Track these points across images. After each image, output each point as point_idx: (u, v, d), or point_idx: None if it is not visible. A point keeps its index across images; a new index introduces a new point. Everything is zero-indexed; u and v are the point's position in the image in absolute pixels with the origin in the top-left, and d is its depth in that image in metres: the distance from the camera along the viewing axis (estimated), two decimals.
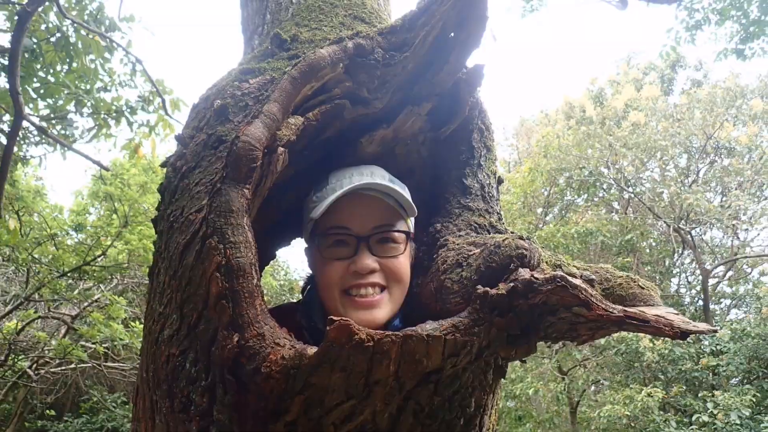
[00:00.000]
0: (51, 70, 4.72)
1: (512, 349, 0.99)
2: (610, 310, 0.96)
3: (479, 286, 0.99)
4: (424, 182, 1.45)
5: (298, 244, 1.47)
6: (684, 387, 9.55)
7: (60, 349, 8.66)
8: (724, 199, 11.97)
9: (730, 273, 13.08)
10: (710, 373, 9.73)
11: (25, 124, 3.76)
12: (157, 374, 1.05)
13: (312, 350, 0.91)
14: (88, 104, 4.96)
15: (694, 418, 8.66)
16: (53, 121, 5.02)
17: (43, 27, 4.61)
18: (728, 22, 7.15)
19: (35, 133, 5.25)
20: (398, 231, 1.22)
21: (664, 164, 12.74)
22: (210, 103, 1.19)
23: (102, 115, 5.15)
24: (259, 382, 0.92)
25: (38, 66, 4.61)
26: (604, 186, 12.74)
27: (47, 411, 12.10)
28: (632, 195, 12.18)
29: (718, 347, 9.71)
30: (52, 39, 4.58)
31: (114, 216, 9.19)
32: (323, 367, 0.89)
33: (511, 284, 0.97)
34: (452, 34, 1.28)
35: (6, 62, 3.85)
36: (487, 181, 1.41)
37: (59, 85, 4.69)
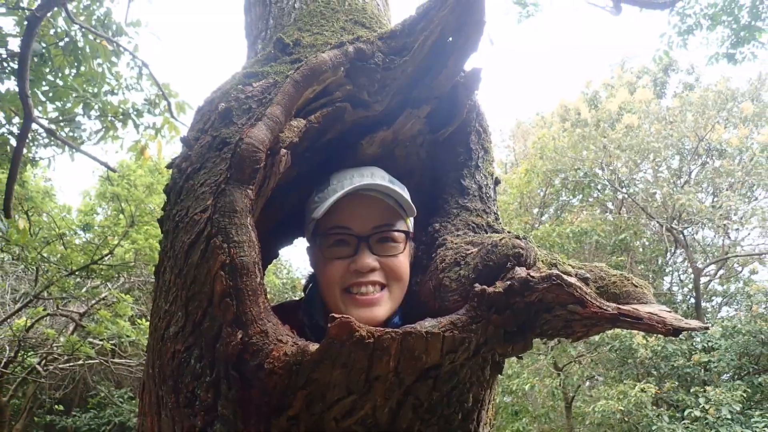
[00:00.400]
0: (59, 74, 4.72)
1: (509, 346, 0.99)
2: (605, 307, 0.96)
3: (477, 285, 0.99)
4: (423, 183, 1.45)
5: (301, 244, 1.47)
6: (676, 383, 9.55)
7: (68, 346, 8.66)
8: (715, 199, 11.97)
9: (721, 271, 13.08)
10: (702, 369, 9.73)
11: (34, 126, 3.76)
12: (163, 370, 1.05)
13: (314, 347, 0.91)
14: (96, 107, 4.96)
15: (686, 413, 8.66)
16: (62, 124, 5.02)
17: (51, 32, 4.61)
18: (719, 27, 7.14)
19: (44, 135, 5.24)
20: (398, 230, 1.22)
21: (656, 165, 12.74)
22: (214, 106, 1.19)
23: (109, 118, 5.14)
24: (263, 378, 0.92)
25: (47, 70, 4.61)
26: (599, 187, 12.74)
27: (56, 406, 12.11)
28: (626, 195, 12.18)
29: (710, 344, 9.72)
30: (61, 43, 4.58)
31: (121, 216, 9.19)
32: (325, 363, 0.89)
33: (508, 282, 0.97)
34: (450, 39, 1.28)
35: (16, 66, 3.85)
36: (485, 182, 1.41)
37: (67, 89, 4.69)
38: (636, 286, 1.08)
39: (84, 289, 9.17)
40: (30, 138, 5.04)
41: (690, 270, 12.27)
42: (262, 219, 1.19)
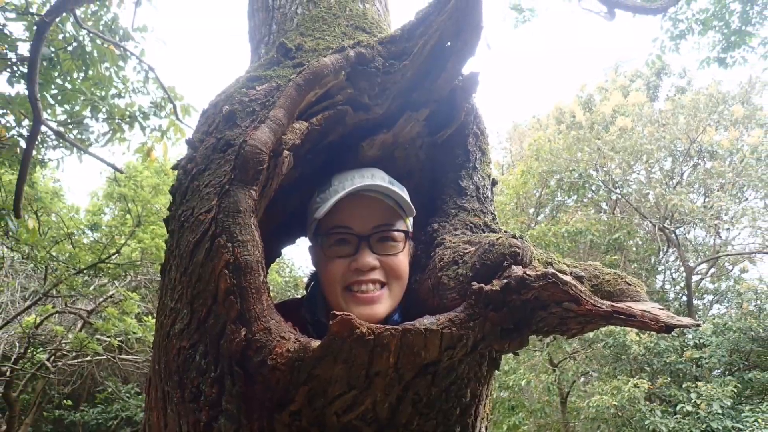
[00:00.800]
0: (68, 78, 4.72)
1: (505, 342, 0.99)
2: (599, 305, 0.96)
3: (474, 283, 0.98)
4: (422, 184, 1.45)
5: (303, 243, 1.47)
6: (669, 378, 9.55)
7: (76, 342, 8.66)
8: (706, 200, 11.97)
9: (712, 270, 13.08)
10: (694, 365, 9.73)
11: (43, 128, 3.76)
12: (169, 366, 1.05)
13: (316, 343, 0.91)
14: (103, 110, 4.96)
15: (678, 408, 8.66)
16: (70, 126, 5.02)
17: (60, 37, 4.61)
18: (711, 32, 7.14)
19: (53, 137, 5.24)
20: (397, 230, 1.22)
21: (649, 167, 12.74)
22: (219, 109, 1.19)
23: (116, 120, 5.14)
24: (266, 374, 0.92)
25: (56, 74, 4.61)
26: (593, 187, 12.73)
27: (64, 401, 12.10)
28: (619, 196, 12.17)
29: (701, 340, 9.72)
30: (69, 48, 4.58)
31: (128, 216, 9.19)
32: (326, 359, 0.89)
33: (505, 281, 0.97)
34: (449, 44, 1.28)
35: (25, 70, 3.85)
36: (482, 183, 1.41)
37: (76, 92, 4.69)
38: (629, 285, 1.08)
39: (92, 287, 9.17)
40: (39, 140, 5.04)
41: (682, 268, 12.26)
42: (265, 219, 1.19)
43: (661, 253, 12.97)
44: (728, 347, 9.49)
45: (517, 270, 0.98)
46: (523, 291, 0.95)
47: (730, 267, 13.06)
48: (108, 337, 8.65)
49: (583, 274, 1.04)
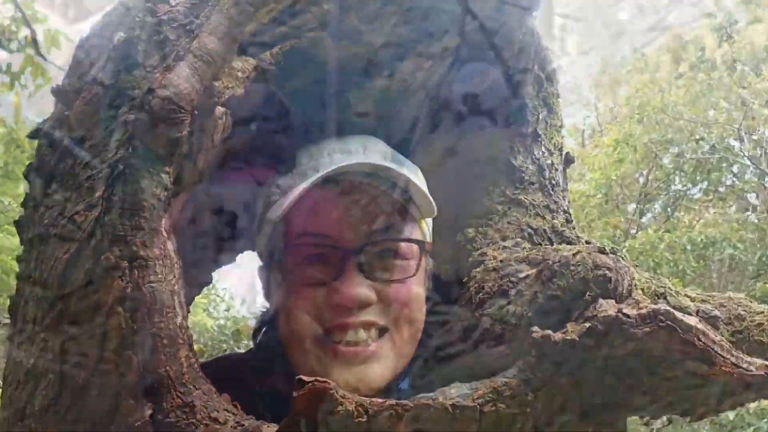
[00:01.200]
0: None
1: (588, 426, 0.99)
2: (744, 365, 0.97)
3: (535, 328, 0.99)
4: (445, 162, 1.45)
5: (248, 261, 1.47)
6: None
7: None
8: None
9: None
10: None
11: None
12: None
13: (270, 429, 0.92)
14: None
15: None
16: None
17: None
18: None
19: None
20: (407, 240, 1.23)
21: None
22: (108, 38, 1.19)
23: None
24: None
25: None
26: (735, 168, 12.76)
27: None
28: None
29: None
30: None
31: None
32: None
33: (587, 325, 0.97)
34: None
35: None
36: (548, 161, 1.42)
37: None
38: None
39: None
40: None
41: None
42: (185, 221, 1.19)
43: None
44: None
45: (608, 306, 0.98)
46: (617, 341, 0.96)
47: None
48: None
49: (718, 313, 1.04)
